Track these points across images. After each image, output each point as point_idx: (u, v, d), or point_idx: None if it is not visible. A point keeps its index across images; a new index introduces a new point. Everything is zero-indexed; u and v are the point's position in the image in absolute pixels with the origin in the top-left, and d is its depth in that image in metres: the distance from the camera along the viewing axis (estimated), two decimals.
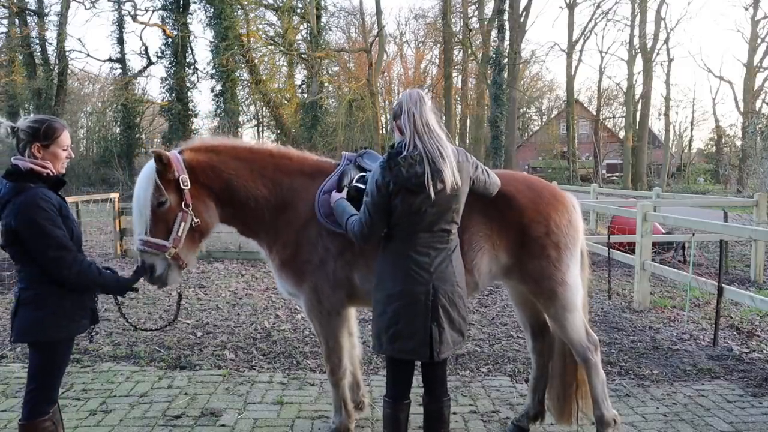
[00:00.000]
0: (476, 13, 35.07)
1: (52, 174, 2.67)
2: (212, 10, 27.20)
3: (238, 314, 6.37)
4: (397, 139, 2.74)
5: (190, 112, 30.09)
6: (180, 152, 3.12)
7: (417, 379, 3.01)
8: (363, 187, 3.03)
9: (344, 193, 3.04)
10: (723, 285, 5.51)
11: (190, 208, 2.99)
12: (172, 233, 2.93)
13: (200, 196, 3.07)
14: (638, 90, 35.89)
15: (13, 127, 2.66)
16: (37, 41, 31.47)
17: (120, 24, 31.99)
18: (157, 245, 2.90)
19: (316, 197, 3.15)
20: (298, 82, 32.83)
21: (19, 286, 2.66)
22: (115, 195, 10.66)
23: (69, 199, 3.36)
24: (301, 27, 31.20)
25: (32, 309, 2.62)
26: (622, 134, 40.06)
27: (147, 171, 3.00)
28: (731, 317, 6.37)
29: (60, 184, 2.74)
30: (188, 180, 2.99)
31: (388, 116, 38.62)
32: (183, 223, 2.96)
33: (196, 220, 3.01)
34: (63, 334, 2.69)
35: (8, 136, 2.67)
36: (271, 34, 32.30)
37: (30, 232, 2.52)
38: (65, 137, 2.71)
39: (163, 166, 2.94)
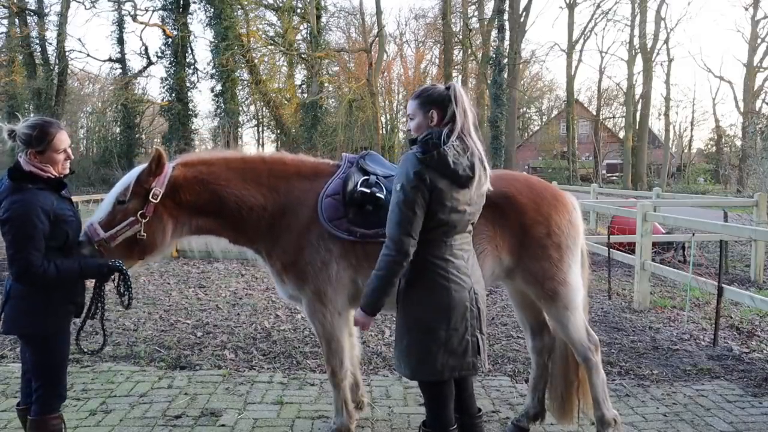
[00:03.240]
0: (476, 13, 35.10)
1: (52, 177, 2.71)
2: (212, 10, 27.22)
3: (238, 314, 6.37)
4: (420, 128, 2.53)
5: (190, 112, 30.10)
6: (173, 167, 3.12)
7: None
8: (368, 191, 3.03)
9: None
10: (723, 285, 5.51)
11: (144, 220, 2.94)
12: (113, 229, 2.90)
13: (164, 216, 3.03)
14: (638, 90, 35.91)
15: (11, 130, 2.70)
16: (37, 41, 31.50)
17: (120, 24, 32.04)
18: (94, 231, 2.89)
19: (318, 200, 3.13)
20: (298, 82, 32.88)
21: (10, 278, 2.69)
22: None
23: None
24: (301, 27, 31.22)
25: (21, 302, 2.67)
26: (622, 134, 40.07)
27: (135, 170, 3.08)
28: (731, 317, 6.37)
29: (61, 186, 2.77)
30: (159, 196, 2.98)
31: (389, 116, 38.66)
32: (128, 228, 2.93)
33: (142, 234, 2.95)
34: (54, 327, 2.73)
35: (8, 140, 2.72)
36: (271, 34, 32.36)
37: (6, 230, 2.58)
38: (60, 140, 2.71)
39: (156, 168, 2.98)
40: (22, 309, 2.67)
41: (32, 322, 2.68)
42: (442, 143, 2.40)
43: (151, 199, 2.97)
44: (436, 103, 2.50)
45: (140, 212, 2.95)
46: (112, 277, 2.86)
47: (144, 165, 3.07)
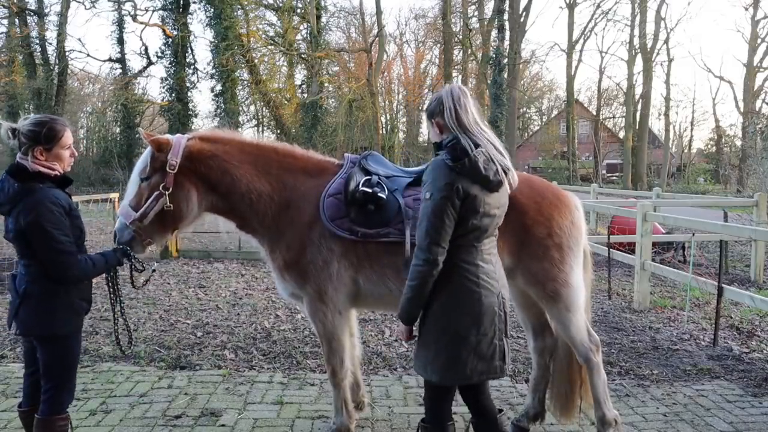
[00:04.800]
0: (476, 13, 35.08)
1: (60, 174, 2.70)
2: (212, 10, 27.19)
3: (238, 314, 6.37)
4: (434, 137, 2.55)
5: (190, 112, 30.07)
6: (189, 138, 3.17)
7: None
8: (369, 190, 3.03)
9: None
10: (723, 285, 5.51)
11: (168, 192, 3.01)
12: (142, 208, 2.99)
13: (185, 184, 3.09)
14: (638, 90, 35.91)
15: (13, 129, 2.66)
16: (37, 41, 31.50)
17: (120, 24, 32.03)
18: (127, 212, 3.00)
19: (321, 199, 3.14)
20: (298, 82, 32.85)
21: (26, 279, 2.66)
22: (115, 195, 10.66)
23: None
24: (301, 27, 31.19)
25: (40, 303, 2.64)
26: (622, 134, 40.06)
27: (149, 149, 3.14)
28: (731, 317, 6.37)
29: (67, 183, 2.76)
30: (176, 165, 3.03)
31: (389, 116, 38.66)
32: (155, 202, 3.00)
33: (169, 205, 3.02)
34: (72, 326, 2.73)
35: (9, 138, 2.67)
36: (271, 34, 32.32)
37: (36, 235, 2.55)
38: (67, 137, 2.71)
39: (157, 147, 3.05)
40: (42, 310, 2.63)
41: (54, 323, 2.65)
42: (470, 149, 2.36)
43: (169, 170, 3.03)
44: (433, 115, 2.51)
45: (162, 185, 3.02)
46: (125, 260, 2.93)
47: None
